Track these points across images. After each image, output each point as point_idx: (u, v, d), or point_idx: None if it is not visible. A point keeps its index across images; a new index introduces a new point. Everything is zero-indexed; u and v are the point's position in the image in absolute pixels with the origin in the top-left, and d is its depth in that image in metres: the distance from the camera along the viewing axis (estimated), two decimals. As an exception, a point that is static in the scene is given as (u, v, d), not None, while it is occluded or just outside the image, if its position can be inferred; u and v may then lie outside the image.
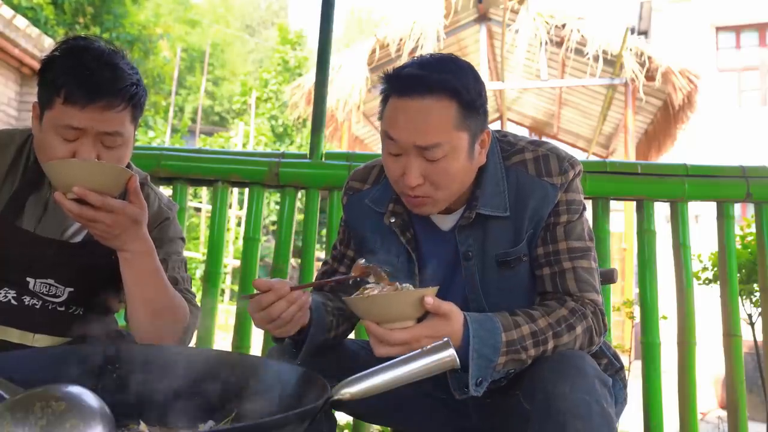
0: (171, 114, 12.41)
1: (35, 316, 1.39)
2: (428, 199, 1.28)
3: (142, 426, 1.04)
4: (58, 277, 1.40)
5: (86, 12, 10.85)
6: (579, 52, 7.10)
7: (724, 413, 4.55)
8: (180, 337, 1.40)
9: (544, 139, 1.80)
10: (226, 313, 7.75)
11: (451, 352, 1.00)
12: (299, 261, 2.32)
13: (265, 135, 15.06)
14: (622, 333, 6.87)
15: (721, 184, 2.16)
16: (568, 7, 7.36)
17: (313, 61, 5.72)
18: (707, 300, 2.75)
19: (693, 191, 2.16)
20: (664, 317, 2.30)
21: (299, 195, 2.36)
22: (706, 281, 3.00)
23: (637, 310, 2.28)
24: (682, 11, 10.56)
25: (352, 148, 8.67)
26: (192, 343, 1.69)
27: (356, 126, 8.98)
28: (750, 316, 2.79)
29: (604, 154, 10.17)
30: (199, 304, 1.54)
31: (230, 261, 9.94)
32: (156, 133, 12.88)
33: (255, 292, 1.21)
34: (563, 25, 7.08)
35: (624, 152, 7.50)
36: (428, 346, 1.02)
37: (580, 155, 8.49)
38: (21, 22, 6.82)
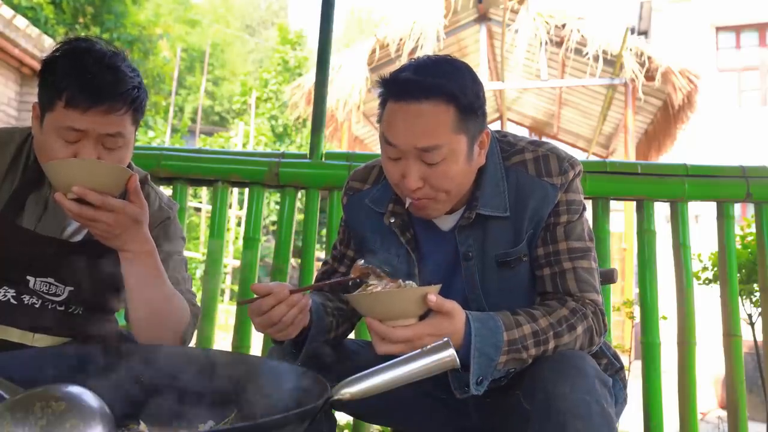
0: (171, 114, 12.42)
1: (35, 316, 1.39)
2: (430, 202, 1.28)
3: (142, 426, 1.04)
4: (58, 276, 1.40)
5: (86, 12, 10.85)
6: (579, 52, 7.10)
7: (724, 413, 4.55)
8: (180, 337, 1.40)
9: (544, 139, 1.81)
10: (226, 313, 7.74)
11: (451, 352, 1.00)
12: (299, 261, 2.32)
13: (265, 135, 15.06)
14: (622, 333, 6.87)
15: (721, 184, 2.16)
16: (568, 7, 7.37)
17: (313, 61, 5.72)
18: (707, 300, 2.75)
19: (693, 191, 2.16)
20: (664, 317, 2.30)
21: (299, 195, 2.36)
22: (706, 281, 3.00)
23: (637, 310, 2.28)
24: (682, 11, 10.56)
25: (352, 148, 8.67)
26: (192, 343, 1.69)
27: (356, 126, 8.98)
28: (750, 316, 2.79)
29: (604, 154, 10.17)
30: (199, 304, 1.54)
31: (230, 261, 9.93)
32: (156, 133, 12.88)
33: (254, 296, 1.21)
34: (563, 25, 7.08)
35: (624, 152, 7.50)
36: (428, 346, 1.02)
37: (580, 155, 8.49)
38: (21, 22, 6.82)
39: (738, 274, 2.36)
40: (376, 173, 1.48)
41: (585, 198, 1.44)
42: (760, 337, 2.33)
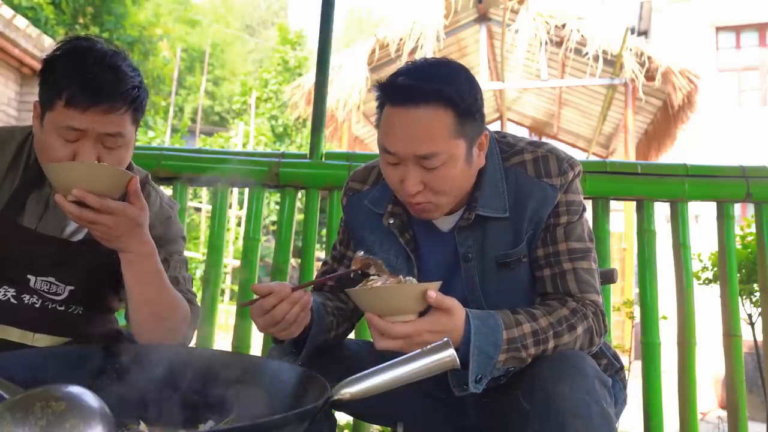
0: (171, 114, 12.40)
1: (35, 315, 1.39)
2: (430, 205, 1.28)
3: (142, 426, 1.04)
4: (58, 275, 1.40)
5: (86, 12, 10.84)
6: (579, 52, 7.09)
7: (724, 413, 4.54)
8: (181, 338, 1.40)
9: (544, 139, 1.81)
10: (226, 313, 7.74)
11: (451, 352, 1.00)
12: (299, 261, 2.32)
13: (265, 135, 15.05)
14: (622, 333, 6.87)
15: (721, 184, 2.16)
16: (568, 7, 7.36)
17: (313, 61, 5.72)
18: (707, 300, 2.75)
19: (693, 191, 2.16)
20: (664, 317, 2.30)
21: (299, 195, 2.36)
22: (706, 281, 3.00)
23: (637, 310, 2.28)
24: (682, 11, 10.56)
25: (352, 148, 8.66)
26: (192, 343, 1.69)
27: (356, 126, 8.98)
28: (750, 316, 2.79)
29: (604, 154, 10.17)
30: (199, 304, 1.54)
31: (230, 261, 9.93)
32: (156, 133, 12.88)
33: (254, 298, 1.21)
34: (563, 25, 7.08)
35: (624, 152, 7.50)
36: (428, 346, 1.02)
37: (580, 155, 8.51)
38: (21, 22, 6.82)
39: (738, 274, 2.36)
40: (376, 174, 1.48)
41: (585, 198, 1.44)
42: (760, 337, 2.33)
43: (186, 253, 1.60)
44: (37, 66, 6.46)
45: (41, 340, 1.40)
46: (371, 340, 1.20)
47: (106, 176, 1.22)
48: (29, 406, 0.78)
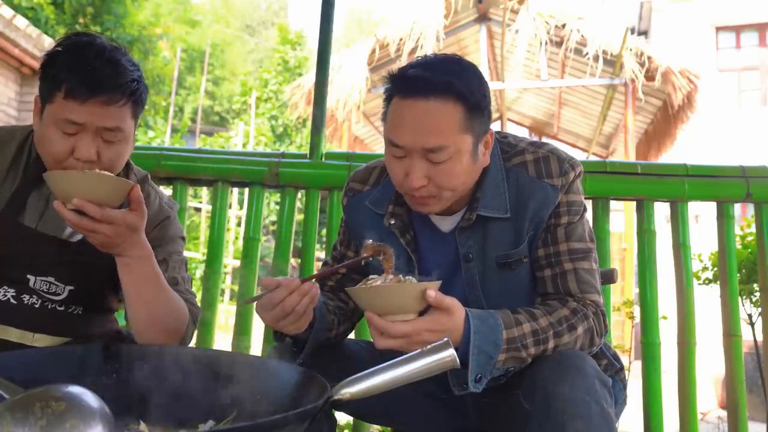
0: (171, 114, 12.40)
1: (34, 316, 1.39)
2: (432, 199, 1.27)
3: (142, 426, 1.04)
4: (58, 275, 1.40)
5: (86, 12, 10.84)
6: (579, 52, 7.10)
7: (724, 413, 4.54)
8: (180, 338, 1.40)
9: (544, 139, 1.81)
10: (226, 313, 7.75)
11: (451, 352, 1.00)
12: (299, 261, 2.32)
13: (265, 135, 15.05)
14: (622, 333, 6.88)
15: (721, 184, 2.16)
16: (568, 7, 7.36)
17: (313, 61, 5.72)
18: (707, 300, 2.75)
19: (693, 191, 2.16)
20: (664, 317, 2.30)
21: (299, 195, 2.36)
22: (706, 281, 3.00)
23: (637, 310, 2.28)
24: (682, 11, 10.56)
25: (352, 148, 8.67)
26: (192, 343, 1.68)
27: (356, 126, 8.98)
28: (750, 316, 2.79)
29: (604, 154, 10.17)
30: (199, 304, 1.54)
31: (230, 261, 9.93)
32: (156, 133, 12.87)
33: (257, 294, 1.21)
34: (563, 25, 7.08)
35: (624, 152, 7.50)
36: (428, 346, 1.02)
37: (580, 155, 8.50)
38: (21, 22, 6.82)
39: (738, 274, 2.36)
40: (377, 174, 1.48)
41: (585, 198, 1.44)
42: (760, 337, 2.33)
43: (186, 253, 1.60)
44: (37, 66, 6.45)
45: (41, 341, 1.40)
46: (371, 340, 1.20)
47: (106, 185, 1.21)
48: (29, 406, 0.78)
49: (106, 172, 1.26)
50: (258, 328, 2.23)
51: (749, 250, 2.81)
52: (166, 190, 2.16)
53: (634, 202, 2.23)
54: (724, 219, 2.18)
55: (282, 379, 1.10)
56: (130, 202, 1.26)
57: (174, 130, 13.15)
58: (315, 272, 1.88)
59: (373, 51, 7.38)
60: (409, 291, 1.14)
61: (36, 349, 1.33)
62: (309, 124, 7.00)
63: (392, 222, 1.39)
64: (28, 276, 1.38)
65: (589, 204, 2.17)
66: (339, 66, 7.36)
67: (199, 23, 23.61)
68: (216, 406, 1.11)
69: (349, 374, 1.00)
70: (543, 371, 1.17)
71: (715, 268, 2.96)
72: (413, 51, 7.13)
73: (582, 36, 6.99)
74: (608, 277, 1.68)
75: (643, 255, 2.17)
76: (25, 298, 1.39)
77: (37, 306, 1.39)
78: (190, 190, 2.42)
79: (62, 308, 1.42)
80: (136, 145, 1.53)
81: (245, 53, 28.75)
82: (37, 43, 7.03)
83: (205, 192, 10.03)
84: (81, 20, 10.78)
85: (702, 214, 6.86)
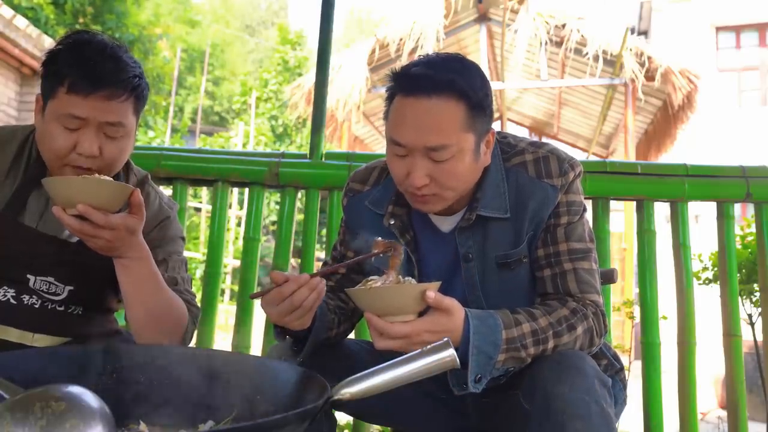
0: (171, 114, 12.40)
1: (34, 316, 1.39)
2: (433, 197, 1.27)
3: (142, 426, 1.04)
4: (58, 275, 1.40)
5: (87, 12, 10.85)
6: (579, 52, 7.10)
7: (724, 413, 4.55)
8: (179, 338, 1.40)
9: (544, 139, 1.81)
10: (226, 313, 7.75)
11: (451, 352, 1.00)
12: (299, 261, 2.32)
13: (265, 135, 15.06)
14: (622, 333, 6.88)
15: (721, 184, 2.16)
16: (568, 7, 7.37)
17: (313, 61, 5.72)
18: (707, 300, 2.75)
19: (693, 191, 2.16)
20: (664, 317, 2.30)
21: (299, 195, 2.36)
22: (706, 281, 3.00)
23: (637, 310, 2.28)
24: (682, 11, 10.56)
25: (352, 148, 8.67)
26: (192, 343, 1.69)
27: (356, 126, 8.98)
28: (750, 316, 2.79)
29: (604, 154, 10.17)
30: (199, 304, 1.54)
31: (230, 261, 9.93)
32: (156, 133, 12.87)
33: (258, 290, 1.21)
34: (563, 25, 7.08)
35: (624, 152, 7.50)
36: (428, 347, 1.02)
37: (580, 155, 8.51)
38: (21, 22, 6.82)
39: (738, 274, 2.36)
40: (377, 174, 1.48)
41: (585, 198, 1.44)
42: (760, 337, 2.33)
43: (186, 253, 1.60)
44: (37, 66, 6.46)
45: (41, 341, 1.40)
46: (371, 340, 1.20)
47: (106, 190, 1.21)
48: (29, 406, 0.78)
49: (106, 177, 1.26)
50: (258, 327, 2.24)
51: (749, 250, 2.81)
52: (166, 190, 2.16)
53: (634, 202, 2.23)
54: (724, 219, 2.18)
55: (282, 379, 1.10)
56: (131, 206, 1.26)
57: (174, 130, 13.15)
58: (315, 272, 1.88)
59: (373, 51, 7.38)
60: (409, 292, 1.14)
61: (36, 349, 1.33)
62: (309, 124, 7.00)
63: (392, 222, 1.39)
64: (28, 276, 1.38)
65: (589, 204, 2.17)
66: (339, 66, 7.36)
67: (199, 23, 23.61)
68: (216, 406, 1.11)
69: (349, 374, 1.00)
70: (543, 371, 1.17)
71: (715, 268, 2.96)
72: (413, 51, 7.13)
73: (582, 36, 6.99)
74: (608, 277, 1.68)
75: (643, 255, 2.17)
76: (25, 298, 1.39)
77: (36, 306, 1.39)
78: (190, 190, 2.42)
79: (62, 308, 1.42)
80: (136, 145, 1.53)
81: (245, 53, 28.75)
82: (37, 43, 7.03)
83: (205, 192, 10.03)
84: (81, 20, 10.78)
85: (702, 214, 6.87)
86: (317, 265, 2.36)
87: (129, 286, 1.32)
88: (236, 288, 3.28)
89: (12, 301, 1.38)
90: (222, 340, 2.83)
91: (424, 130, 1.21)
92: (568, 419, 1.08)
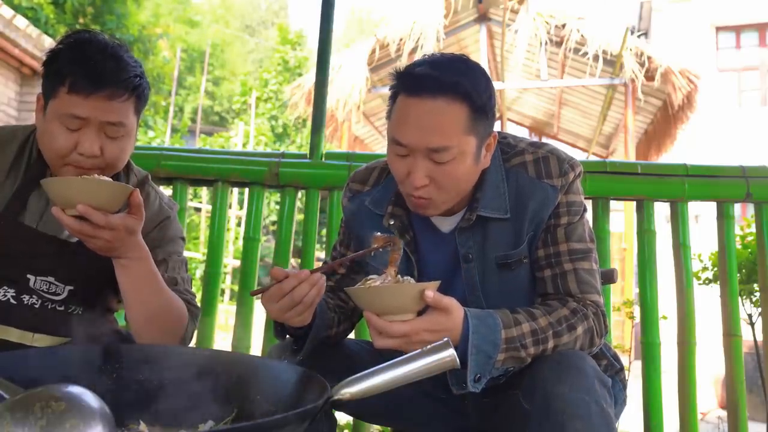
0: (171, 114, 12.40)
1: (34, 316, 1.39)
2: (431, 201, 1.27)
3: (142, 426, 1.04)
4: (58, 275, 1.40)
5: (87, 12, 10.85)
6: (579, 52, 7.10)
7: (724, 413, 4.55)
8: (179, 338, 1.40)
9: (544, 139, 1.81)
10: (226, 313, 7.75)
11: (451, 352, 1.00)
12: (299, 261, 2.32)
13: (265, 135, 15.06)
14: (622, 333, 6.88)
15: (721, 184, 2.16)
16: (568, 7, 7.36)
17: (313, 61, 5.72)
18: (707, 300, 2.75)
19: (693, 191, 2.16)
20: (664, 317, 2.30)
21: (299, 195, 2.36)
22: (706, 281, 3.00)
23: (637, 310, 2.28)
24: (682, 11, 10.56)
25: (352, 148, 8.66)
26: (192, 343, 1.69)
27: (356, 126, 8.98)
28: (750, 316, 2.79)
29: (604, 154, 10.17)
30: (199, 304, 1.54)
31: (230, 261, 9.93)
32: (156, 133, 12.88)
33: (258, 287, 1.21)
34: (563, 25, 7.08)
35: (624, 152, 7.50)
36: (428, 346, 1.02)
37: (580, 155, 8.51)
38: (21, 22, 6.82)
39: (738, 274, 2.36)
40: (377, 175, 1.48)
41: (585, 198, 1.44)
42: (760, 337, 2.33)
43: (186, 253, 1.60)
44: (37, 66, 6.46)
45: (41, 341, 1.40)
46: (371, 340, 1.20)
47: (106, 190, 1.21)
48: (29, 406, 0.78)
49: (105, 178, 1.26)
50: (258, 327, 2.24)
51: (749, 250, 2.81)
52: (166, 190, 2.16)
53: (634, 202, 2.23)
54: (724, 219, 2.18)
55: (282, 379, 1.10)
56: (130, 207, 1.26)
57: (174, 130, 13.15)
58: (315, 268, 1.88)
59: (373, 51, 7.38)
60: (408, 291, 1.14)
61: (36, 349, 1.33)
62: (309, 124, 7.00)
63: (392, 222, 1.39)
64: (28, 276, 1.38)
65: (589, 204, 2.17)
66: (339, 66, 7.36)
67: (198, 23, 23.61)
68: (216, 406, 1.11)
69: (349, 374, 1.00)
70: (542, 371, 1.17)
71: (715, 268, 2.96)
72: (413, 51, 7.13)
73: (582, 36, 6.99)
74: (608, 277, 1.68)
75: (643, 255, 2.17)
76: (25, 298, 1.39)
77: (36, 306, 1.39)
78: (190, 190, 2.42)
79: (62, 308, 1.42)
80: (136, 145, 1.53)
81: (245, 53, 28.75)
82: (37, 43, 7.03)
83: (205, 192, 10.03)
84: (81, 20, 10.79)
85: (702, 214, 6.87)
86: (317, 265, 2.36)
87: (128, 286, 1.32)
88: (236, 288, 3.28)
89: (12, 301, 1.38)
90: (222, 340, 2.83)
91: (427, 131, 1.21)
92: (568, 419, 1.08)
